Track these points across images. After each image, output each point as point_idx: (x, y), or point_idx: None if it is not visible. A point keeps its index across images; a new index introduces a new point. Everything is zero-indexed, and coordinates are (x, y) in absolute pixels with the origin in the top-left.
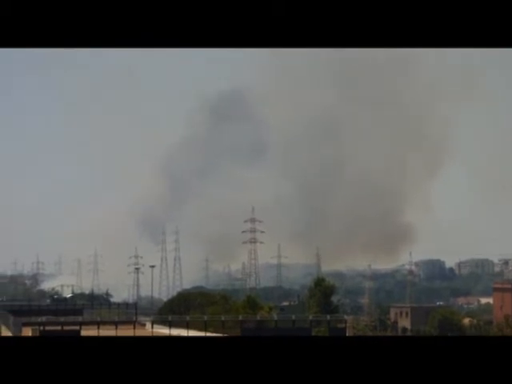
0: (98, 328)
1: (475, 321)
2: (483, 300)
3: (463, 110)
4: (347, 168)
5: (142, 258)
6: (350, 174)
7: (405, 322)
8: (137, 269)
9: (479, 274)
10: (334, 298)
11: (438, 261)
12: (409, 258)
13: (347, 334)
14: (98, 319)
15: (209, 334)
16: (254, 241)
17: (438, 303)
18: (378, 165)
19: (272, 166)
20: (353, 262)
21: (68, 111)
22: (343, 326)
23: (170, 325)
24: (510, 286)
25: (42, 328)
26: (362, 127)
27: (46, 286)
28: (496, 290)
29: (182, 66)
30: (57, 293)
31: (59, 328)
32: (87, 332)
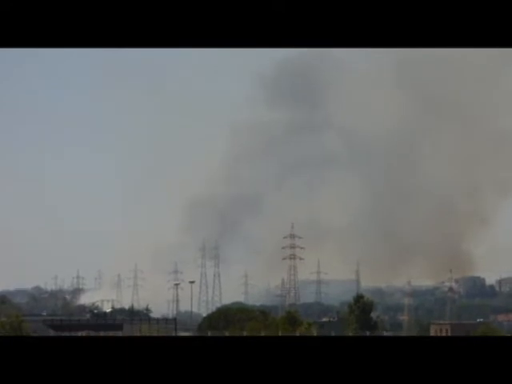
0: None
1: None
2: None
3: None
4: (418, 185)
5: (181, 273)
6: (420, 192)
7: None
8: (176, 284)
9: None
10: (373, 315)
11: (479, 278)
12: (449, 274)
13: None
14: (138, 334)
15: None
16: (293, 257)
17: (478, 320)
18: (448, 184)
19: (338, 178)
20: (392, 278)
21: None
22: None
23: None
24: None
25: None
26: (437, 142)
27: (86, 300)
28: None
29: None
30: (97, 308)
31: None
32: None
